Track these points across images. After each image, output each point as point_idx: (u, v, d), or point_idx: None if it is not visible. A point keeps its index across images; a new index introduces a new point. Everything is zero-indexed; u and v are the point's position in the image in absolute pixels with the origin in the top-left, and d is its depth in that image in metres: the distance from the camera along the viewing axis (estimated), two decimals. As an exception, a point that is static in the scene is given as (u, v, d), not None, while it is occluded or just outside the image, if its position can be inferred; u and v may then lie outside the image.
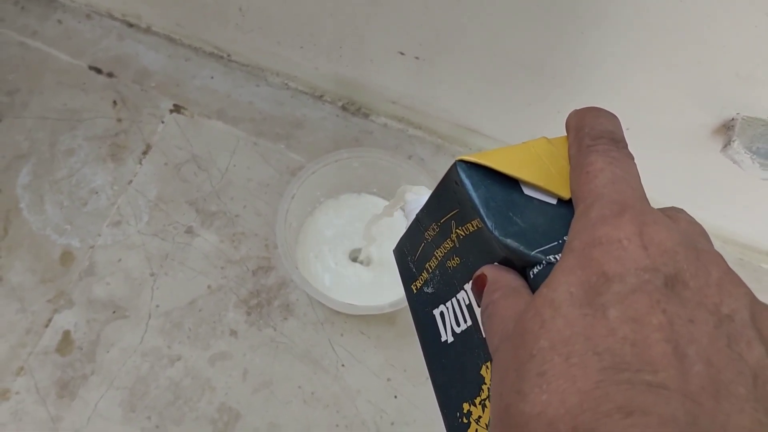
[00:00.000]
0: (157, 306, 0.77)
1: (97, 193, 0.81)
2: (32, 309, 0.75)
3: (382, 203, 0.80)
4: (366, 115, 0.87)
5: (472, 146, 0.85)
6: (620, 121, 0.30)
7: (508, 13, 0.62)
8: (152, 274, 0.78)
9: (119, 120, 0.84)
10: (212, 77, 0.87)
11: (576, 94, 0.69)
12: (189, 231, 0.80)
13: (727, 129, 0.67)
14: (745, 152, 0.65)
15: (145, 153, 0.83)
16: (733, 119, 0.66)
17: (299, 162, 0.83)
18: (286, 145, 0.84)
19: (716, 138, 0.68)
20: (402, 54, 0.74)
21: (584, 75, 0.66)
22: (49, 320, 0.75)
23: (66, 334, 0.75)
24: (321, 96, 0.87)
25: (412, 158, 0.85)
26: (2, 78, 0.84)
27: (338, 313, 0.77)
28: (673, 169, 0.74)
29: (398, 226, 0.76)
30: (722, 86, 0.61)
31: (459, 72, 0.73)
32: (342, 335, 0.77)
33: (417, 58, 0.74)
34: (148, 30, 0.88)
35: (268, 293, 0.78)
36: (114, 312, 0.76)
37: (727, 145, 0.66)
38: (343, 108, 0.87)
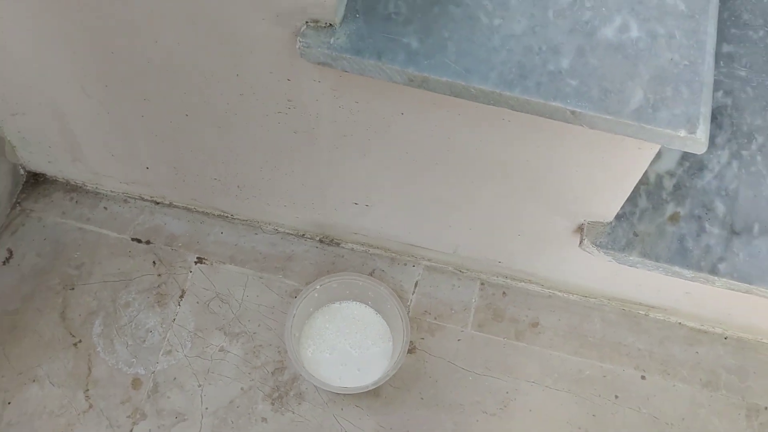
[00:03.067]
0: (206, 408, 1.06)
1: (151, 331, 1.11)
2: (117, 424, 1.05)
3: (357, 306, 1.11)
4: (337, 244, 1.18)
5: (416, 255, 1.17)
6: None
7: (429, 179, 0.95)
8: (200, 386, 1.08)
9: (159, 275, 1.15)
10: (222, 233, 1.19)
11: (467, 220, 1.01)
12: (222, 350, 1.10)
13: (581, 230, 0.99)
14: (593, 246, 0.97)
15: (181, 297, 1.13)
16: (582, 224, 0.98)
17: (295, 286, 1.14)
18: (283, 275, 1.16)
19: (575, 236, 1.00)
20: (356, 204, 1.07)
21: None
22: (131, 430, 1.04)
23: (144, 439, 1.04)
24: (303, 235, 1.18)
25: (374, 271, 1.16)
26: (70, 256, 1.15)
27: (338, 393, 1.07)
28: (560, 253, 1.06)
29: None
30: (573, 203, 0.93)
31: (395, 212, 1.05)
32: (342, 409, 1.07)
33: (366, 205, 1.06)
34: (170, 205, 1.19)
35: (285, 387, 1.08)
36: (176, 417, 1.06)
37: (581, 242, 0.99)
38: (320, 241, 1.18)
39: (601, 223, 0.97)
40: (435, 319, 1.14)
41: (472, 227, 1.06)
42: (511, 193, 0.95)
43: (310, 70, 0.80)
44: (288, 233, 1.19)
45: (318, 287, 1.06)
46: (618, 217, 0.97)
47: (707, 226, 0.98)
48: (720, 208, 0.98)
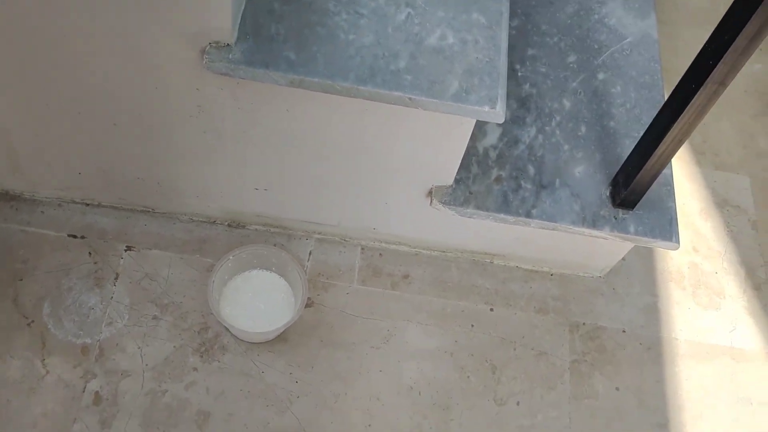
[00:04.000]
0: (146, 365, 1.30)
1: (93, 308, 1.34)
2: (72, 384, 1.27)
3: (264, 273, 1.38)
4: (243, 227, 1.45)
5: (309, 231, 1.45)
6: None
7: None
8: (139, 348, 1.31)
9: (95, 263, 1.38)
10: (146, 225, 1.43)
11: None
12: (155, 318, 1.34)
13: (430, 193, 1.30)
14: (440, 204, 1.28)
15: (116, 279, 1.37)
16: (431, 188, 1.29)
17: (210, 262, 1.40)
18: (200, 255, 1.41)
19: (427, 199, 1.31)
20: (256, 189, 1.34)
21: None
22: (83, 388, 1.27)
23: (96, 394, 1.27)
24: (214, 222, 1.45)
25: (276, 245, 1.43)
26: (16, 254, 1.37)
27: (253, 342, 1.33)
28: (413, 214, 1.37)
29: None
30: (421, 171, 1.24)
31: (288, 193, 1.34)
32: (258, 355, 1.33)
33: (266, 189, 1.34)
34: (99, 205, 1.43)
35: (209, 342, 1.33)
36: (122, 374, 1.29)
37: (431, 202, 1.30)
38: (229, 225, 1.45)
39: (444, 186, 1.29)
40: (327, 279, 1.43)
41: (350, 201, 1.35)
42: (375, 169, 1.25)
43: (214, 80, 1.07)
44: (201, 221, 1.45)
45: (231, 258, 1.33)
46: (456, 181, 1.29)
47: (522, 183, 1.31)
48: (531, 169, 1.32)
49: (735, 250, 1.60)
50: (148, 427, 1.25)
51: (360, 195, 1.34)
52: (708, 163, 1.71)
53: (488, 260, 1.50)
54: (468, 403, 1.35)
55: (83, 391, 1.27)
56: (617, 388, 1.40)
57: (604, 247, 1.40)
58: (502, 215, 1.29)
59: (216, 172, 1.30)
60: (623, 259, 1.51)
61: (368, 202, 1.35)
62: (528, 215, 1.29)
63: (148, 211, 1.44)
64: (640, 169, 1.20)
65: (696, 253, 1.58)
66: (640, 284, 1.52)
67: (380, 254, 1.48)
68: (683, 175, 1.68)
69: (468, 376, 1.37)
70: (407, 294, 1.44)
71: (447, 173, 1.26)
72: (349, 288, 1.43)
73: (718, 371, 1.45)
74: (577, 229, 1.29)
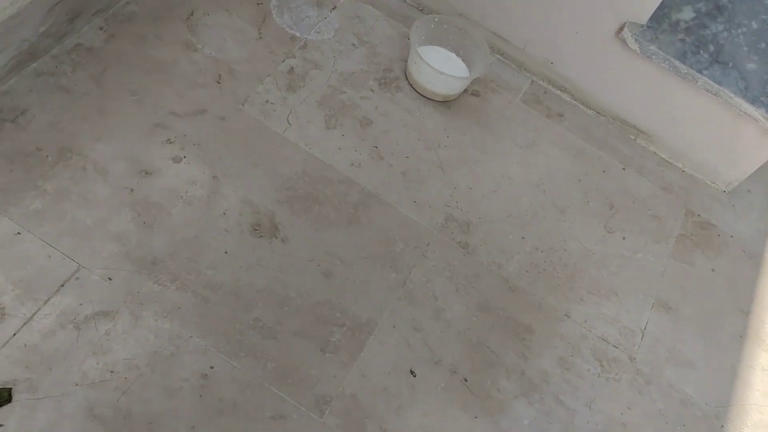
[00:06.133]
0: (335, 69, 1.50)
1: (308, 17, 1.57)
2: (274, 52, 1.48)
3: (447, 51, 1.58)
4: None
5: (495, 45, 1.65)
6: None
7: None
8: (334, 57, 1.52)
9: (322, -8, 1.62)
10: (369, -12, 1.67)
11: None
12: (353, 45, 1.55)
13: (621, 28, 1.50)
14: (629, 33, 1.47)
15: (333, 9, 1.60)
16: (624, 23, 1.49)
17: (407, 32, 1.62)
18: (402, 24, 1.63)
19: (616, 41, 1.50)
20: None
21: None
22: (283, 60, 1.48)
23: (291, 68, 1.47)
24: (420, 8, 1.67)
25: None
26: None
27: (424, 95, 1.52)
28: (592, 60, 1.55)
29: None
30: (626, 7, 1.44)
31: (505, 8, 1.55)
32: (424, 106, 1.52)
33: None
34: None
35: (389, 79, 1.53)
36: (314, 65, 1.49)
37: (621, 30, 1.49)
38: (421, 11, 1.67)
39: (637, 24, 1.48)
40: (496, 86, 1.62)
41: (545, 21, 1.56)
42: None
43: None
44: (410, 3, 1.68)
45: (436, 20, 1.54)
46: (647, 26, 1.48)
47: (701, 52, 1.49)
48: (711, 47, 1.50)
49: None
50: (321, 106, 1.44)
51: (558, 16, 1.54)
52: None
53: (633, 136, 1.66)
54: (582, 216, 1.48)
55: (282, 62, 1.47)
56: (713, 269, 1.50)
57: (745, 148, 1.55)
58: (677, 62, 1.46)
59: None
60: (748, 190, 1.64)
61: (560, 26, 1.55)
62: (699, 72, 1.46)
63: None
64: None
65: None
66: (758, 213, 1.64)
67: (545, 92, 1.66)
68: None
69: (588, 201, 1.51)
70: (557, 126, 1.61)
71: (644, 12, 1.45)
72: (512, 100, 1.61)
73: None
74: (736, 99, 1.45)
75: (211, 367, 1.10)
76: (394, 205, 1.36)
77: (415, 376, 1.18)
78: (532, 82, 1.66)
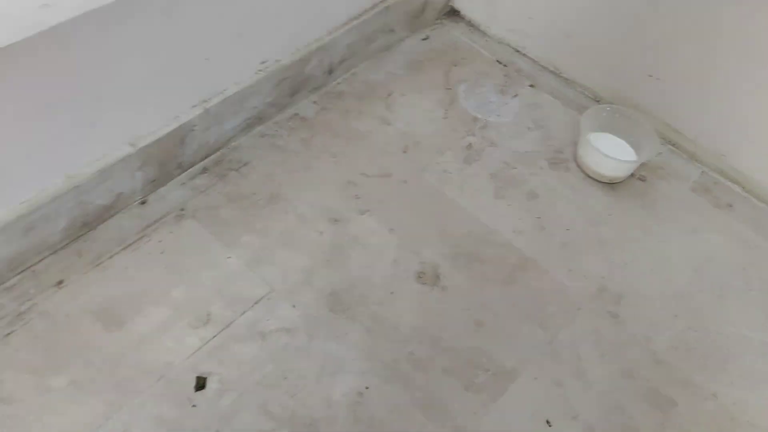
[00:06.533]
0: (510, 147, 1.67)
1: (491, 102, 1.76)
2: (456, 130, 1.68)
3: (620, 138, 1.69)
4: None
5: (665, 136, 1.74)
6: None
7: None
8: (511, 137, 1.69)
9: (505, 83, 1.81)
10: (551, 82, 1.84)
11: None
12: (529, 129, 1.72)
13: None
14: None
15: (515, 96, 1.78)
16: None
17: (578, 116, 1.75)
18: (577, 112, 1.77)
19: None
20: (650, 75, 1.68)
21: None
22: (464, 137, 1.67)
23: (470, 144, 1.66)
24: (597, 99, 1.81)
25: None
26: (460, 52, 1.85)
27: (591, 176, 1.63)
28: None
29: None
30: None
31: (682, 90, 1.65)
32: (589, 186, 1.63)
33: (658, 78, 1.67)
34: (527, 56, 1.88)
35: (560, 159, 1.67)
36: (490, 143, 1.67)
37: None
38: (598, 102, 1.80)
39: None
40: (665, 173, 1.70)
41: (717, 116, 1.63)
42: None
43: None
44: (587, 95, 1.82)
45: (608, 109, 1.67)
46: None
47: None
48: None
49: None
50: (493, 178, 1.61)
51: (731, 110, 1.60)
52: None
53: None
54: (742, 304, 1.49)
55: (462, 138, 1.67)
56: None
57: None
58: None
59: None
60: None
61: (734, 121, 1.61)
62: None
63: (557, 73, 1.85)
64: None
65: None
66: None
67: (714, 182, 1.70)
68: None
69: (751, 290, 1.52)
70: (725, 215, 1.64)
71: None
72: (680, 187, 1.68)
73: None
74: None
75: (367, 388, 1.26)
76: (549, 271, 1.47)
77: (551, 426, 1.27)
78: (703, 172, 1.72)
